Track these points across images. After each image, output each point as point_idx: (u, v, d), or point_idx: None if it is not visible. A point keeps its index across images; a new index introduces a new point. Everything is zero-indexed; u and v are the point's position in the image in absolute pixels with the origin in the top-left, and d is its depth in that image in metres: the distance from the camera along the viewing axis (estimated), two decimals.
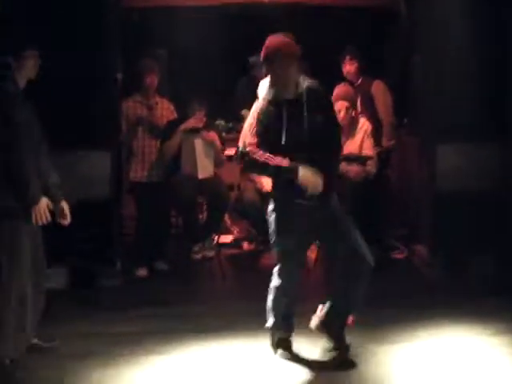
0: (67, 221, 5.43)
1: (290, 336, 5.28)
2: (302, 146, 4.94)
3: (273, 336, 5.28)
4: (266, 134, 4.98)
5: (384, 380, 4.83)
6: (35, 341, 5.32)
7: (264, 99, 5.09)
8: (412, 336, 5.57)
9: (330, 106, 5.23)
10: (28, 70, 5.26)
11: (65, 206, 5.40)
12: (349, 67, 8.28)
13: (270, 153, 4.91)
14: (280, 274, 5.14)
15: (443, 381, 4.80)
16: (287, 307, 5.22)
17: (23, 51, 5.23)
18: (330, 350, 5.21)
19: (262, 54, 5.04)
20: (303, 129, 4.94)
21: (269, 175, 5.21)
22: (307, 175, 4.87)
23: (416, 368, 5.00)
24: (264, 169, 5.01)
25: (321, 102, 5.05)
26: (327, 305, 5.25)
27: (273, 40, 5.04)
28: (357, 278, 5.09)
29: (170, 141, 7.49)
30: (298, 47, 5.04)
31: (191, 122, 7.52)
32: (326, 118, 5.05)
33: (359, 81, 8.22)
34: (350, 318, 5.28)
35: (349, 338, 5.25)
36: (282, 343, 5.25)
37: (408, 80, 8.36)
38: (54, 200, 5.30)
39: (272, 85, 5.05)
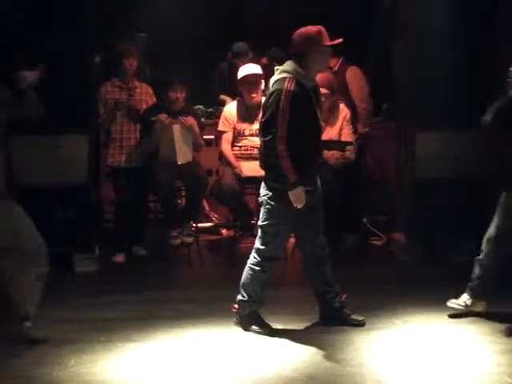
0: None
1: (259, 308, 5.49)
2: (320, 131, 5.49)
3: (242, 310, 5.48)
4: (297, 121, 5.19)
5: (362, 368, 4.84)
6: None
7: (292, 88, 5.20)
8: (389, 323, 5.60)
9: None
10: None
11: None
12: None
13: (296, 140, 5.18)
14: (265, 253, 5.40)
15: (420, 368, 4.82)
16: (263, 283, 5.46)
17: None
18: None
19: (300, 43, 5.28)
20: (320, 114, 5.41)
21: (277, 178, 5.31)
22: (300, 195, 5.21)
23: (393, 355, 5.03)
24: (279, 172, 5.24)
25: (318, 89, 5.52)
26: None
27: (311, 31, 5.29)
28: (323, 262, 5.52)
29: (151, 139, 7.44)
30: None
31: (164, 117, 7.44)
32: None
33: (337, 67, 8.17)
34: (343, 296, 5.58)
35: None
36: (254, 315, 5.48)
37: (388, 65, 8.35)
38: None
39: (306, 74, 5.30)
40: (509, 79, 5.38)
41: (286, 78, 5.23)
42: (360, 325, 5.52)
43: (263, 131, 5.38)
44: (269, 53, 8.84)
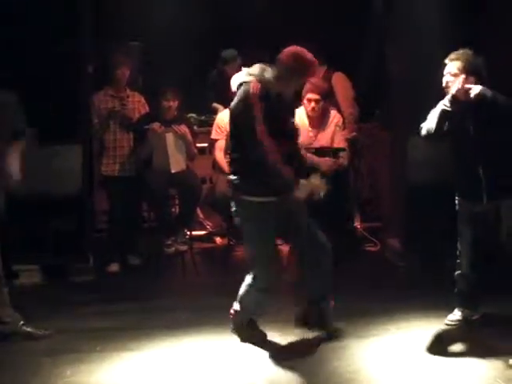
0: None
1: (256, 319, 5.43)
2: (293, 137, 5.36)
3: (238, 319, 5.42)
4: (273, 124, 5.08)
5: (358, 374, 4.83)
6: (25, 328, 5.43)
7: (258, 92, 5.09)
8: (383, 330, 5.58)
9: None
10: None
11: None
12: None
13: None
14: (259, 285, 5.24)
15: (415, 374, 4.82)
16: (260, 302, 5.36)
17: None
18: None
19: (291, 65, 5.16)
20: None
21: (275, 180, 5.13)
22: (310, 184, 5.14)
23: (389, 362, 5.02)
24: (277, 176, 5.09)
25: None
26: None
27: (308, 60, 5.19)
28: (319, 265, 5.36)
29: (144, 148, 7.45)
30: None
31: (157, 126, 7.45)
32: None
33: (321, 74, 8.18)
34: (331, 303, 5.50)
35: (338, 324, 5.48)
36: (250, 323, 5.41)
37: (380, 71, 8.36)
38: None
39: (277, 86, 5.16)
40: (446, 86, 5.36)
41: (250, 82, 5.13)
42: (337, 335, 5.43)
43: (238, 145, 5.20)
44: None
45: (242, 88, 5.15)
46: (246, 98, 5.08)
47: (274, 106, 5.10)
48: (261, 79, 5.12)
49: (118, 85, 7.63)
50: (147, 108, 7.80)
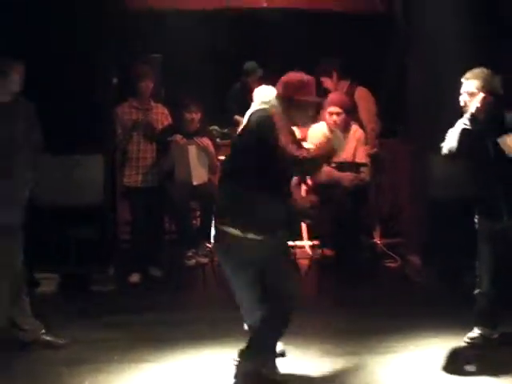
0: None
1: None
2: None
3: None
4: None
5: None
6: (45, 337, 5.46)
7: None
8: (402, 347, 5.57)
9: None
10: (12, 84, 5.24)
11: None
12: (325, 83, 8.25)
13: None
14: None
15: None
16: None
17: (5, 67, 5.20)
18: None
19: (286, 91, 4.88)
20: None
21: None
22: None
23: (406, 379, 5.01)
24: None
25: None
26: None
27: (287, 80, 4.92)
28: (269, 320, 4.83)
29: (167, 159, 7.49)
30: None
31: (179, 138, 7.49)
32: None
33: (344, 89, 8.21)
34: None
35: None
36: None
37: (403, 86, 8.36)
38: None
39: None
40: (464, 105, 5.36)
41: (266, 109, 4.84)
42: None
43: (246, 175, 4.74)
44: None
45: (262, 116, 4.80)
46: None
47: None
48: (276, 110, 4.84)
49: (142, 96, 7.66)
50: (170, 120, 7.83)
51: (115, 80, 7.50)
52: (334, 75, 8.24)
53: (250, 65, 9.02)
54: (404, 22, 8.27)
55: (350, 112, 7.61)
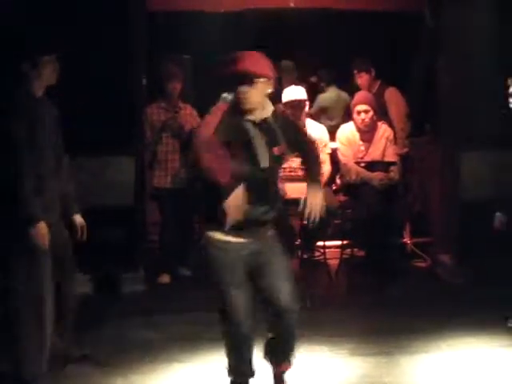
0: (83, 237, 5.31)
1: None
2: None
3: None
4: None
5: None
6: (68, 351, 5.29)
7: None
8: (434, 347, 5.55)
9: None
10: (47, 76, 4.95)
11: (78, 220, 5.32)
12: (359, 80, 8.26)
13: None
14: None
15: None
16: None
17: (40, 57, 4.90)
18: None
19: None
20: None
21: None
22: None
23: (439, 379, 5.00)
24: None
25: None
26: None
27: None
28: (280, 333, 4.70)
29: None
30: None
31: None
32: None
33: (375, 89, 8.20)
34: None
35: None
36: None
37: (432, 86, 8.32)
38: (69, 214, 5.25)
39: None
40: None
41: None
42: None
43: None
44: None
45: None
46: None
47: None
48: None
49: (170, 97, 7.67)
50: (199, 121, 7.82)
51: (144, 81, 7.50)
52: (373, 72, 8.24)
53: (286, 64, 9.00)
54: (433, 22, 8.23)
55: (378, 110, 7.59)
